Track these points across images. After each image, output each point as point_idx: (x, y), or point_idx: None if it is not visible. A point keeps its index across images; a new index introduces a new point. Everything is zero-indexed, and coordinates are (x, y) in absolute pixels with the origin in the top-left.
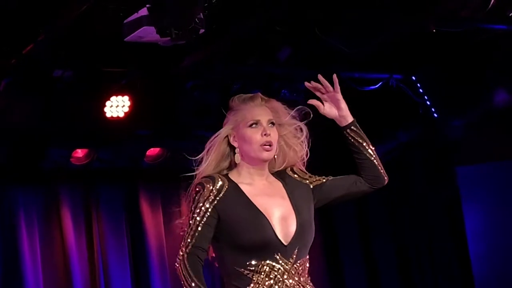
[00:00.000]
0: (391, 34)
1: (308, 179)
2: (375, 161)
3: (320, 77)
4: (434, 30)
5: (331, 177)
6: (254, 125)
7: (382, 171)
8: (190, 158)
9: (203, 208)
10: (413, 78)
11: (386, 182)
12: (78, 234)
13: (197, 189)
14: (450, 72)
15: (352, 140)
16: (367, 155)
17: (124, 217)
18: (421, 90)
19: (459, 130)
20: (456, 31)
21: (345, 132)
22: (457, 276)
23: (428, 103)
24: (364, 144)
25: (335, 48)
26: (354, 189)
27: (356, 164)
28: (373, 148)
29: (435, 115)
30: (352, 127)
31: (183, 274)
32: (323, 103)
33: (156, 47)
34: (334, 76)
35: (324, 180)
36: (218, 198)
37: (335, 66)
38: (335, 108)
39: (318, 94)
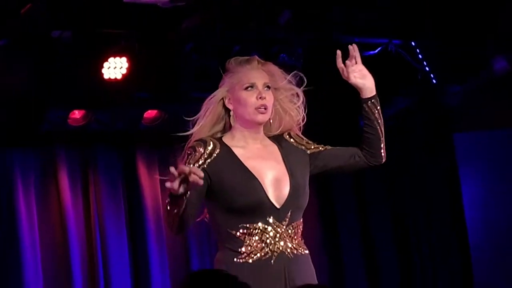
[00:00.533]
0: None
1: (305, 145)
2: (381, 139)
3: (351, 47)
4: None
5: (330, 147)
6: (249, 88)
7: (383, 150)
8: (187, 119)
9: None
10: (413, 43)
11: (383, 161)
12: (75, 195)
13: (189, 152)
14: (450, 39)
15: (370, 114)
16: (378, 131)
17: (121, 179)
18: (420, 56)
19: (458, 97)
20: None
21: (364, 104)
22: (453, 244)
23: (427, 69)
24: (379, 121)
25: (335, 12)
26: (351, 161)
27: (362, 137)
28: (383, 129)
29: (434, 81)
30: (372, 101)
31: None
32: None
33: (155, 9)
34: (350, 47)
35: (322, 149)
36: (209, 160)
37: (335, 31)
38: (360, 78)
39: (347, 62)
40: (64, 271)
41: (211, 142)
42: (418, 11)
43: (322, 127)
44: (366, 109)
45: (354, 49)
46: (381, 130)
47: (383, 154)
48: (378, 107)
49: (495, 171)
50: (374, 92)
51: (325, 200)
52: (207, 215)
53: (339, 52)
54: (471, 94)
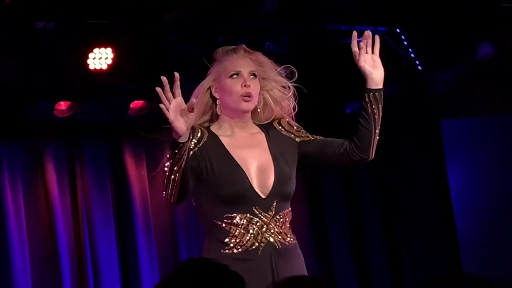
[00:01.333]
0: None
1: (294, 133)
2: (374, 135)
3: (369, 35)
4: None
5: (320, 137)
6: (234, 76)
7: (373, 147)
8: None
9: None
10: (398, 30)
11: (369, 159)
12: (62, 186)
13: None
14: (435, 25)
15: (368, 105)
16: (372, 126)
17: (107, 169)
18: (405, 43)
19: (444, 84)
20: None
21: (367, 94)
22: (441, 231)
23: (412, 56)
24: (375, 116)
25: (320, 1)
26: (336, 152)
27: (355, 127)
28: (379, 126)
29: (420, 68)
30: (376, 93)
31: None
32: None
33: None
34: (368, 34)
35: (312, 138)
36: (197, 147)
37: (320, 19)
38: (370, 66)
39: (361, 44)
40: (52, 263)
41: (200, 130)
42: None
43: (308, 116)
44: (366, 99)
45: (375, 39)
46: (376, 126)
47: (371, 150)
48: (380, 104)
49: (482, 157)
50: (380, 86)
51: (313, 189)
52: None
53: (355, 33)
54: (457, 80)
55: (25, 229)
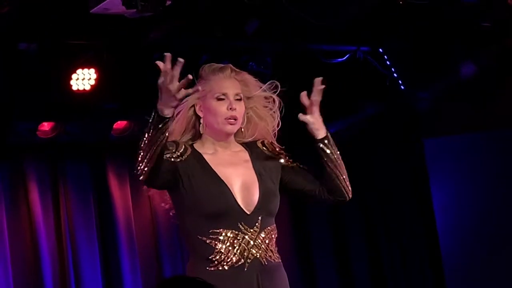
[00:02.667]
0: (359, 6)
1: (278, 155)
2: (342, 177)
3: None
4: (401, 2)
5: (301, 166)
6: (220, 98)
7: (345, 187)
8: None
9: (164, 157)
10: (380, 50)
11: (348, 197)
12: (45, 207)
13: None
14: (417, 44)
15: (323, 154)
16: (337, 171)
17: (91, 190)
18: (388, 62)
19: (426, 102)
20: (423, 3)
21: (318, 145)
22: (425, 249)
23: (395, 75)
24: (336, 158)
25: (302, 21)
26: (312, 193)
27: (322, 179)
28: (340, 163)
29: (402, 87)
30: (325, 141)
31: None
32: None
33: (122, 19)
34: (317, 82)
35: (295, 165)
36: (180, 159)
37: (303, 39)
38: (310, 116)
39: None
40: (36, 285)
41: (183, 145)
42: (385, 18)
43: (289, 134)
44: (320, 151)
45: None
46: (339, 169)
47: (345, 192)
48: (335, 147)
49: (465, 175)
50: (325, 131)
51: (297, 207)
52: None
53: (304, 93)
54: (440, 99)
55: (8, 250)
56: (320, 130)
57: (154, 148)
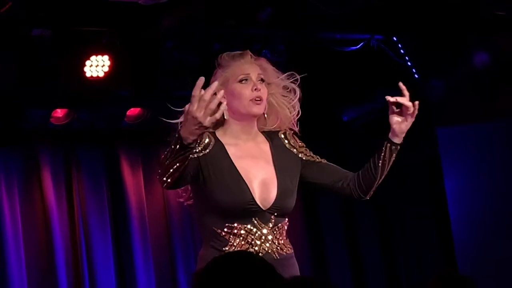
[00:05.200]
0: None
1: (298, 149)
2: (377, 182)
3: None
4: None
5: (325, 161)
6: (244, 81)
7: (372, 191)
8: (178, 109)
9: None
10: (394, 38)
11: (366, 199)
12: (58, 194)
13: None
14: (431, 33)
15: (383, 155)
16: (379, 173)
17: (104, 177)
18: (402, 51)
19: (440, 91)
20: None
21: (386, 142)
22: (437, 239)
23: (409, 64)
24: (386, 165)
25: (316, 9)
26: (338, 185)
27: (363, 170)
28: (387, 171)
29: (416, 76)
30: (392, 147)
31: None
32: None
33: (136, 6)
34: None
35: (317, 160)
36: (203, 153)
37: (316, 27)
38: (399, 122)
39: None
40: (49, 270)
41: (207, 136)
42: (399, 6)
43: (303, 122)
44: (383, 148)
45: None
46: (382, 174)
47: (371, 193)
48: (392, 157)
49: (478, 164)
50: (398, 141)
51: (309, 196)
52: (189, 203)
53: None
54: (453, 88)
55: (21, 234)
56: (400, 137)
57: (178, 165)
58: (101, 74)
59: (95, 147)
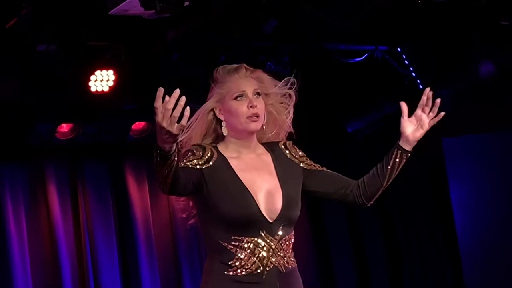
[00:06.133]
0: (377, 5)
1: (299, 158)
2: (382, 188)
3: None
4: (419, 1)
5: (326, 169)
6: (239, 98)
7: (375, 198)
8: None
9: (189, 165)
10: (399, 49)
11: (368, 205)
12: (64, 208)
13: (186, 154)
14: (435, 43)
15: (391, 161)
16: (385, 179)
17: (109, 191)
18: (406, 62)
19: (445, 101)
20: (441, 1)
21: (396, 149)
22: (444, 247)
23: (413, 74)
24: (394, 172)
25: (320, 20)
26: (340, 192)
27: (368, 175)
28: (389, 182)
29: (421, 86)
30: (403, 154)
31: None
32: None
33: (141, 20)
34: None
35: (318, 168)
36: (206, 166)
37: (321, 39)
38: (413, 125)
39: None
40: (55, 285)
41: (210, 149)
42: (403, 17)
43: (308, 133)
44: (393, 154)
45: (435, 104)
46: (388, 181)
47: (374, 199)
48: (401, 165)
49: (484, 174)
50: (409, 148)
51: (314, 205)
52: (196, 219)
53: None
54: (459, 98)
55: (27, 248)
56: (411, 144)
57: (167, 171)
58: (106, 89)
59: (100, 161)
